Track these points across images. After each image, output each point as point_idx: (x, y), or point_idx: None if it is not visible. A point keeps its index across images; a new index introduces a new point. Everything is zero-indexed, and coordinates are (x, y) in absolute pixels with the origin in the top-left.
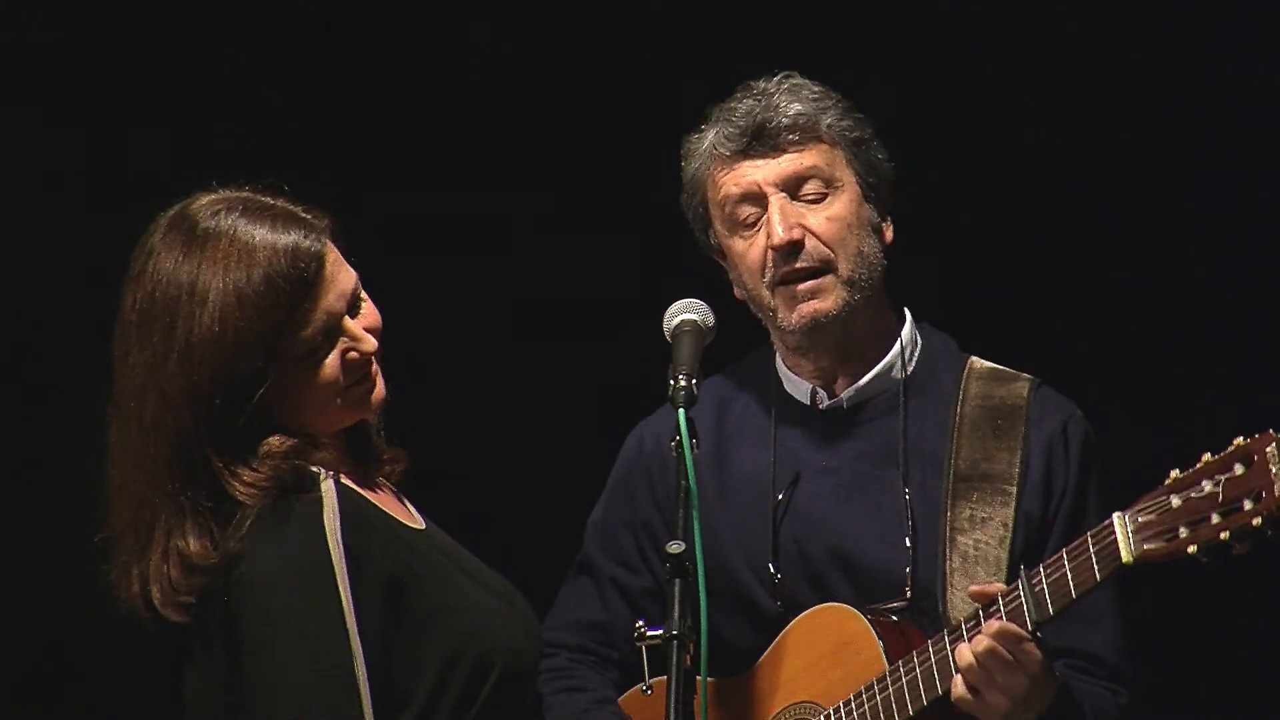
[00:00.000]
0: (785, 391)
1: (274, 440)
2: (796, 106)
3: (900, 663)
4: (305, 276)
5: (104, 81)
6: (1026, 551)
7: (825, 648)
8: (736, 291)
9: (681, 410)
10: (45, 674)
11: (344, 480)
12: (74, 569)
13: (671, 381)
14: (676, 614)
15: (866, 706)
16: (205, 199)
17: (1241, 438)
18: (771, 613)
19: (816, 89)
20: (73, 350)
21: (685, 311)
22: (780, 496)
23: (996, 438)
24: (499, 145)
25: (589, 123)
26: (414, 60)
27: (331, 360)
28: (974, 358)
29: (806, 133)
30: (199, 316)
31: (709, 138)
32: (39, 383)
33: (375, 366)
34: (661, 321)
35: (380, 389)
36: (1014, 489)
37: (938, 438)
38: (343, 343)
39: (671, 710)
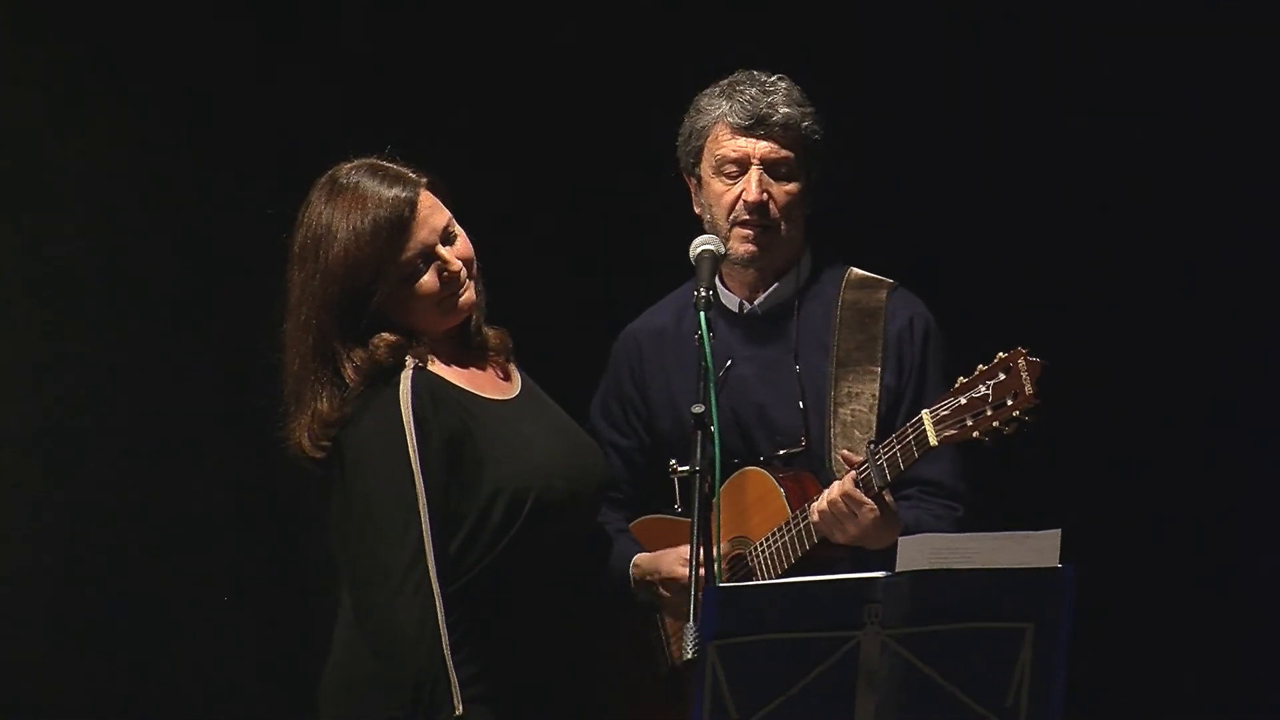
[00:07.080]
0: (722, 301)
1: (384, 334)
2: (788, 110)
3: (798, 511)
4: (402, 217)
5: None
6: (888, 415)
7: (750, 499)
8: (696, 208)
9: (702, 313)
10: None
11: (428, 367)
12: None
13: (695, 293)
14: (699, 454)
15: (780, 542)
16: (346, 165)
17: (1001, 353)
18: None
19: (799, 95)
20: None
21: (705, 243)
22: (720, 374)
23: (864, 331)
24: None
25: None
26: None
27: (429, 278)
28: (852, 268)
29: (790, 131)
30: (333, 248)
31: (722, 106)
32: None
33: (467, 282)
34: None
35: (469, 296)
36: (878, 369)
37: (825, 333)
38: (437, 265)
39: (694, 523)
